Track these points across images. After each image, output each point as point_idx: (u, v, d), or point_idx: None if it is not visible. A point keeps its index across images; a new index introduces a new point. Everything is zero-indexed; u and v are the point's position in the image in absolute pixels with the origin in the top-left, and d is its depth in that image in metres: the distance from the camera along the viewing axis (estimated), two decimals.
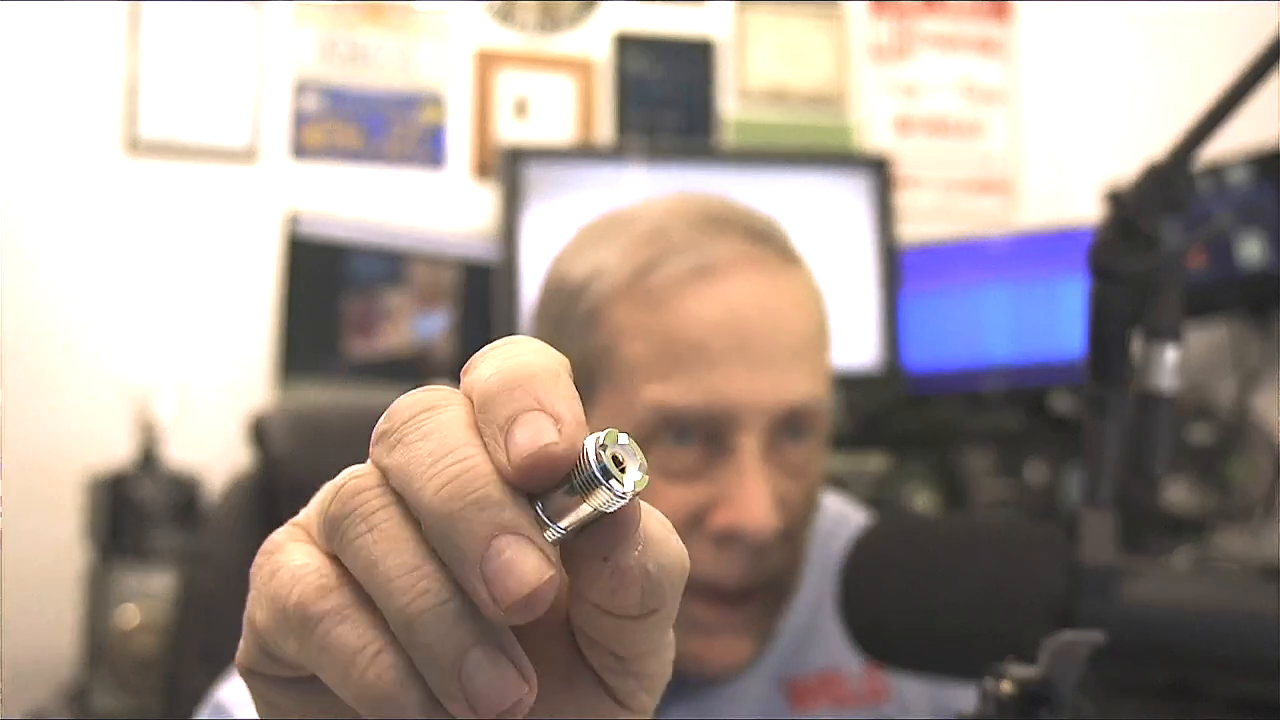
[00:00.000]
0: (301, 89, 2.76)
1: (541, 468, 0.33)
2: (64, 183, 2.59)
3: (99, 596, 2.22)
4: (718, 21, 3.03)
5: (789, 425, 0.82)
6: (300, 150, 2.75)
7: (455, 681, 0.32)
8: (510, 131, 2.84)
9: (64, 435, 2.49)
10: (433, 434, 0.34)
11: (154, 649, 2.16)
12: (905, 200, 2.99)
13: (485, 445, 0.33)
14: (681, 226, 0.83)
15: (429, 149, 2.83)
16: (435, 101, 2.84)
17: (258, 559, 0.37)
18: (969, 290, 2.76)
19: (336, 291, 2.61)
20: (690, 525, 0.80)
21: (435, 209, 2.79)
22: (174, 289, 2.63)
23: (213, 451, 2.35)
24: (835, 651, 0.92)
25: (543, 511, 0.33)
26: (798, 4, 3.07)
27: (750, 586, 0.82)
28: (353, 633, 0.33)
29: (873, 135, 3.09)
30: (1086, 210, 2.86)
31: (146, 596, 2.19)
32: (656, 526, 0.35)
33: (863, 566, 0.71)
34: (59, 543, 2.37)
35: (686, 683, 0.86)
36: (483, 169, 2.83)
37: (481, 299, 2.67)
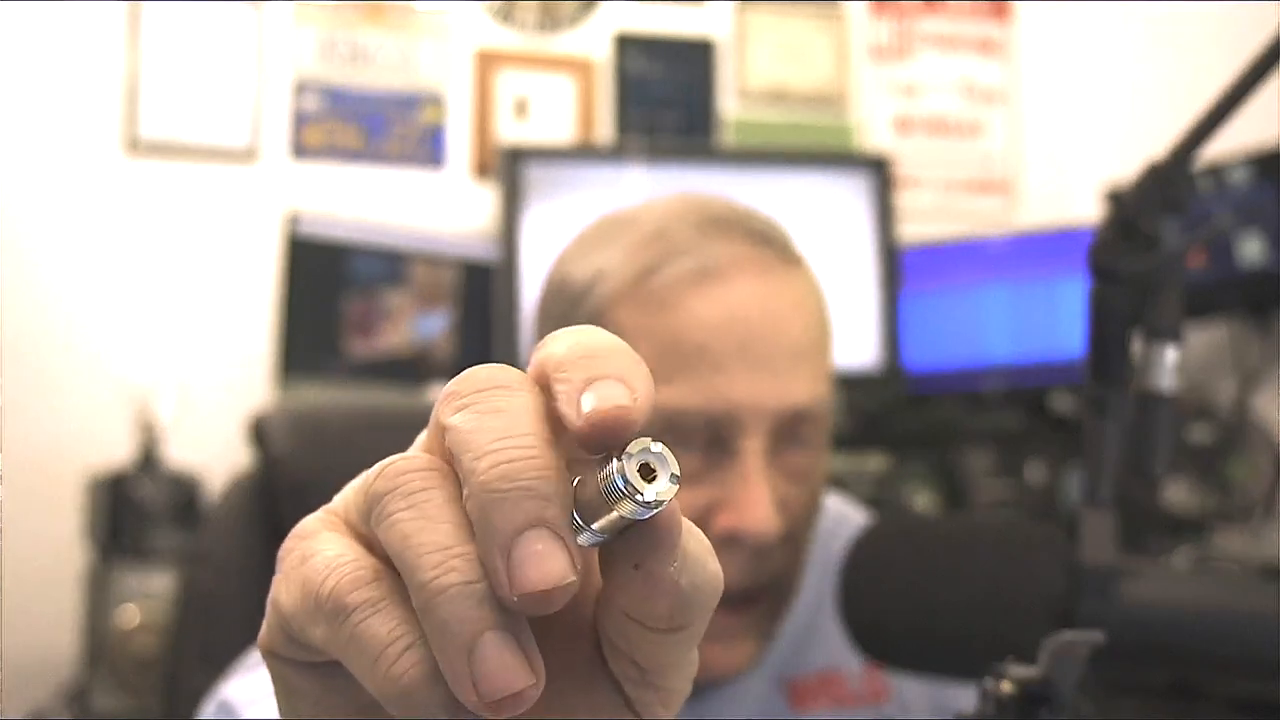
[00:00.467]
0: (301, 89, 2.76)
1: (612, 426, 0.33)
2: (64, 183, 2.59)
3: (99, 596, 2.22)
4: (718, 21, 3.03)
5: (791, 428, 0.82)
6: (300, 150, 2.75)
7: (465, 661, 0.32)
8: (510, 131, 2.84)
9: (64, 435, 2.49)
10: (503, 413, 0.34)
11: (154, 649, 2.16)
12: (905, 200, 2.99)
13: (557, 400, 0.34)
14: (683, 229, 0.83)
15: (429, 149, 2.83)
16: (435, 101, 2.84)
17: (288, 542, 0.37)
18: (969, 290, 2.76)
19: (336, 291, 2.61)
20: None
21: (435, 209, 2.79)
22: (174, 289, 2.63)
23: (213, 451, 2.35)
24: (835, 651, 0.92)
25: (578, 515, 0.34)
26: (798, 4, 3.07)
27: (752, 589, 0.82)
28: (384, 626, 0.33)
29: (873, 135, 3.09)
30: (1086, 210, 2.86)
31: (146, 596, 2.19)
32: (696, 546, 0.35)
33: (863, 566, 0.71)
34: (59, 543, 2.37)
35: None
36: (483, 169, 2.83)
37: (481, 299, 2.67)
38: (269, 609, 0.37)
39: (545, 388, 0.35)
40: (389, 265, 2.65)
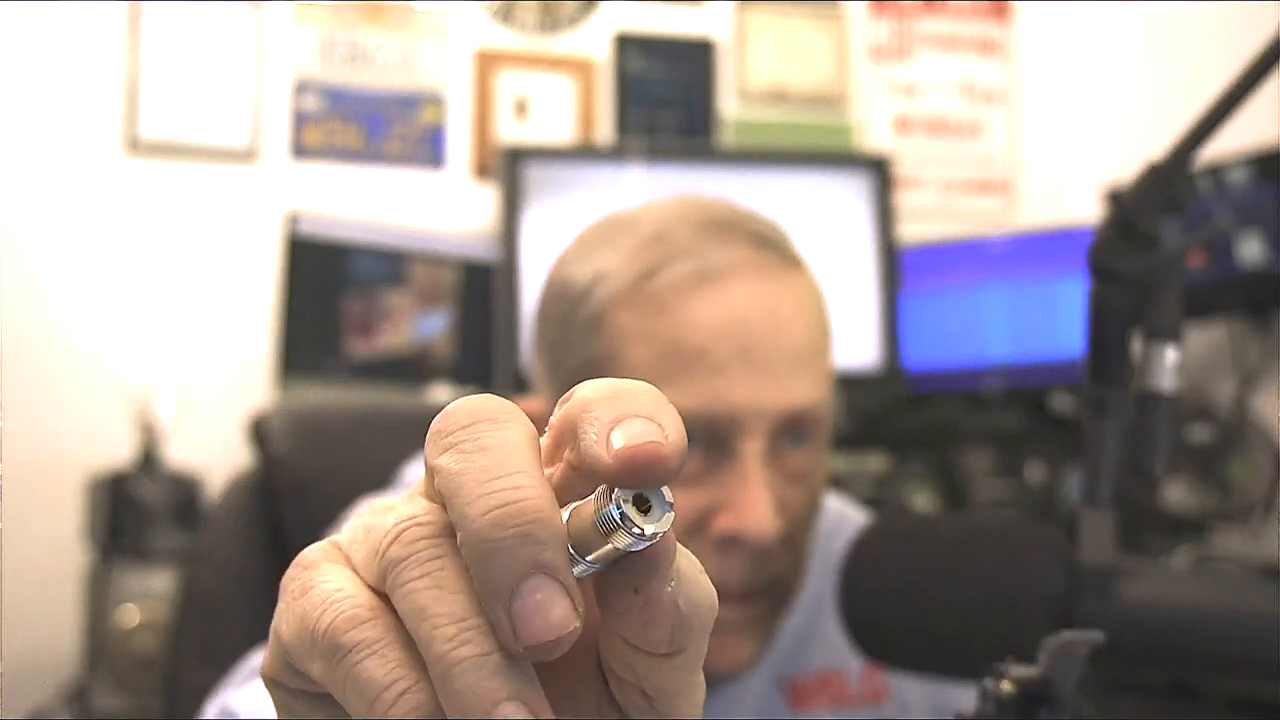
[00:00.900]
0: (301, 89, 2.76)
1: (645, 463, 0.33)
2: (64, 183, 2.59)
3: (99, 596, 2.22)
4: (718, 21, 3.03)
5: (791, 430, 0.82)
6: (300, 150, 2.75)
7: None
8: (510, 131, 2.84)
9: (64, 435, 2.49)
10: (490, 449, 0.34)
11: (154, 648, 2.16)
12: (905, 200, 2.99)
13: (584, 441, 0.34)
14: (684, 231, 0.83)
15: (429, 149, 2.83)
16: (435, 101, 2.84)
17: (290, 571, 0.37)
18: (969, 290, 2.76)
19: (336, 291, 2.61)
20: (692, 530, 0.80)
21: (435, 209, 2.79)
22: (174, 289, 2.64)
23: (213, 451, 2.35)
24: (835, 651, 0.92)
25: (573, 549, 0.34)
26: (798, 4, 3.07)
27: (753, 590, 0.82)
28: (381, 668, 0.33)
29: (873, 135, 3.09)
30: (1086, 210, 2.86)
31: (146, 596, 2.19)
32: (688, 566, 0.35)
33: (863, 566, 0.71)
34: (59, 543, 2.37)
35: None
36: (483, 169, 2.83)
37: (481, 299, 2.68)
38: (271, 639, 0.37)
39: (573, 434, 0.35)
40: (389, 265, 2.65)
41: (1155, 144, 0.69)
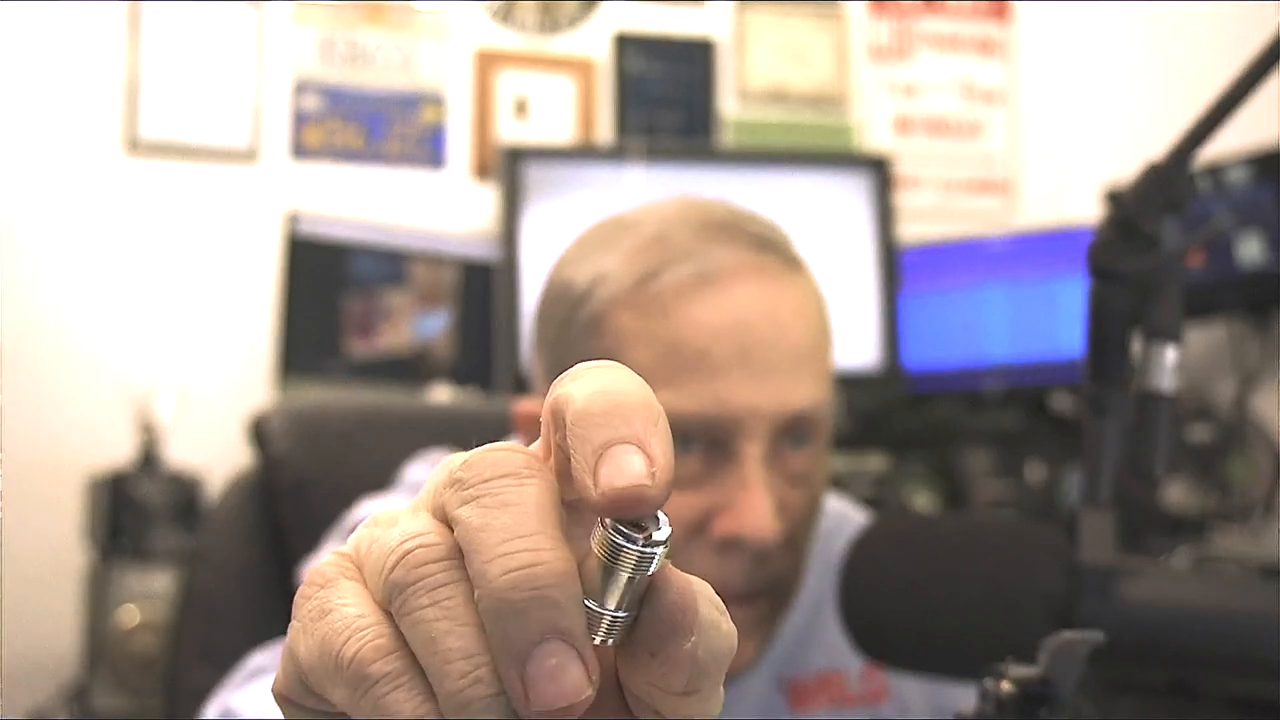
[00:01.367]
0: (301, 89, 2.76)
1: (629, 504, 0.33)
2: (64, 183, 2.59)
3: (99, 596, 2.22)
4: (718, 21, 3.03)
5: (791, 432, 0.82)
6: (300, 150, 2.75)
7: None
8: (510, 131, 2.84)
9: (64, 435, 2.49)
10: (511, 507, 0.34)
11: (154, 648, 2.16)
12: (905, 200, 2.99)
13: (573, 460, 0.34)
14: (684, 233, 0.83)
15: (429, 149, 2.83)
16: (435, 101, 2.84)
17: (304, 589, 0.37)
18: (968, 290, 2.76)
19: (336, 291, 2.61)
20: (692, 532, 0.80)
21: (435, 209, 2.79)
22: (174, 289, 2.64)
23: (213, 451, 2.35)
24: (835, 652, 0.92)
25: (589, 600, 0.34)
26: (798, 4, 3.07)
27: (753, 592, 0.82)
28: (408, 702, 0.33)
29: (873, 135, 3.09)
30: (1086, 210, 2.86)
31: (146, 596, 2.19)
32: (708, 611, 0.35)
33: (862, 566, 0.71)
34: (59, 543, 2.37)
35: None
36: (483, 169, 2.83)
37: (481, 299, 2.68)
38: (285, 657, 0.37)
39: (560, 431, 0.35)
40: (389, 265, 2.65)
41: (1155, 144, 0.69)
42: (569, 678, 0.32)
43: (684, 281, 0.81)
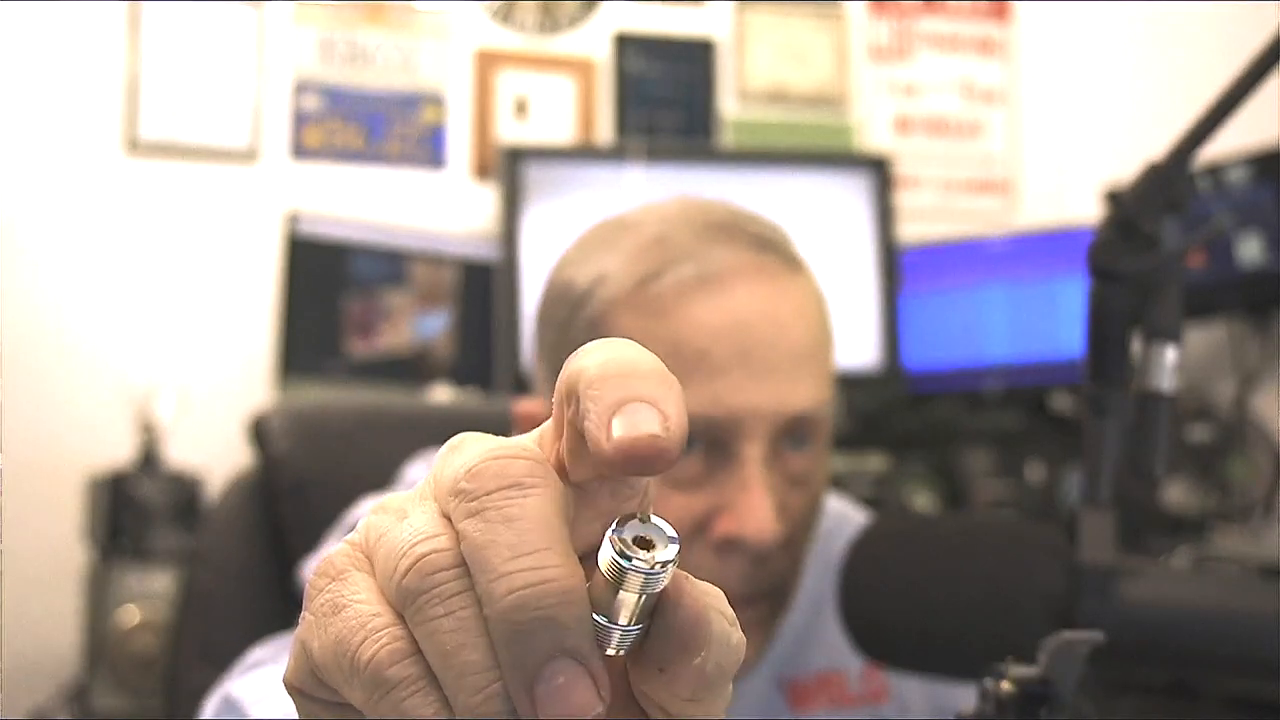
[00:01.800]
0: (301, 89, 2.76)
1: (643, 456, 0.33)
2: (64, 183, 2.59)
3: (99, 596, 2.22)
4: (718, 21, 3.03)
5: (792, 433, 0.82)
6: (300, 150, 2.75)
7: None
8: (510, 131, 2.84)
9: (64, 435, 2.49)
10: (515, 521, 0.33)
11: (154, 648, 2.16)
12: (905, 200, 2.99)
13: (585, 419, 0.33)
14: (685, 234, 0.83)
15: (429, 149, 2.83)
16: (435, 101, 2.84)
17: (316, 580, 0.37)
18: (968, 290, 2.76)
19: (336, 291, 2.61)
20: (693, 533, 0.80)
21: (435, 209, 2.79)
22: (174, 289, 2.64)
23: (213, 451, 2.35)
24: (835, 652, 0.92)
25: (598, 616, 0.33)
26: (798, 4, 3.07)
27: (753, 593, 0.82)
28: (427, 708, 0.34)
29: (873, 135, 3.09)
30: (1086, 210, 2.86)
31: (146, 596, 2.19)
32: (719, 624, 0.35)
33: (862, 566, 0.71)
34: (59, 543, 2.37)
35: None
36: (483, 169, 2.83)
37: (481, 299, 2.68)
38: (296, 648, 0.37)
39: (573, 403, 0.34)
40: (389, 265, 2.65)
41: (1155, 144, 0.69)
42: (578, 696, 0.32)
43: (685, 282, 0.81)
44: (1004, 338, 2.72)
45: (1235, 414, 2.48)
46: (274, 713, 0.71)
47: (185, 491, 2.29)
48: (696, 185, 2.54)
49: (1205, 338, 2.57)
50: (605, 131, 2.92)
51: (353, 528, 0.99)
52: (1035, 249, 2.74)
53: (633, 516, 0.34)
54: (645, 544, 0.33)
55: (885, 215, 2.76)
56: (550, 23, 2.92)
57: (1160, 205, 0.64)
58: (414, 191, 2.80)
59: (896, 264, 2.75)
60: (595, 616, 0.33)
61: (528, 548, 0.33)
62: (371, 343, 2.63)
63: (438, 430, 1.25)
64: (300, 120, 2.75)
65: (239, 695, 0.76)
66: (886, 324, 2.70)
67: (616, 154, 2.73)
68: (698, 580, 0.35)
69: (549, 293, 0.88)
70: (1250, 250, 2.36)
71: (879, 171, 2.79)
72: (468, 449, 0.36)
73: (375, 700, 0.34)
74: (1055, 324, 2.66)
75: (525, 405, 0.90)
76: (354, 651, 0.34)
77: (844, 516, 0.98)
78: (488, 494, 0.34)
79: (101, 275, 2.59)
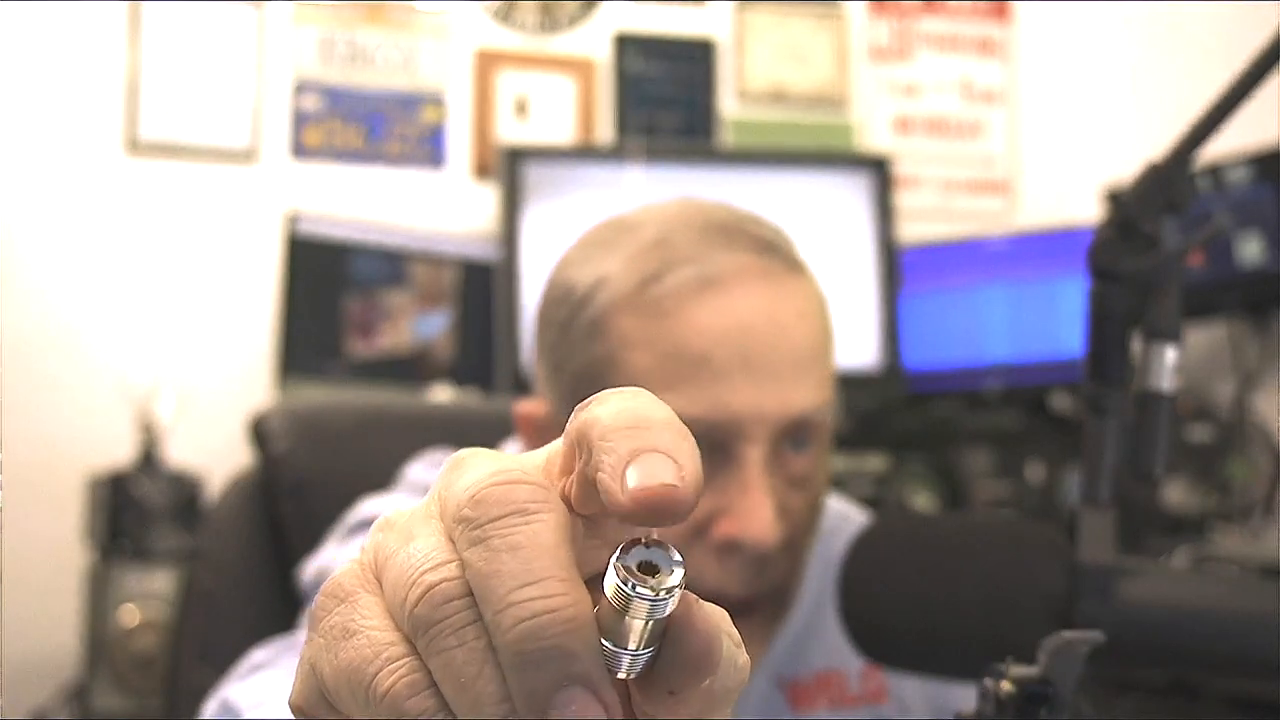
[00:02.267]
0: (301, 89, 2.76)
1: (659, 506, 0.33)
2: (64, 183, 2.59)
3: (99, 596, 2.22)
4: (718, 21, 3.03)
5: (793, 435, 0.82)
6: (300, 150, 2.75)
7: None
8: (510, 131, 2.84)
9: (64, 435, 2.49)
10: (520, 549, 0.33)
11: (154, 648, 2.16)
12: (905, 200, 2.99)
13: (600, 469, 0.33)
14: (686, 236, 0.83)
15: (429, 149, 2.83)
16: (435, 101, 2.84)
17: (324, 601, 0.36)
18: (968, 290, 2.76)
19: (336, 291, 2.61)
20: (693, 535, 0.80)
21: (435, 209, 2.79)
22: (174, 289, 2.64)
23: (213, 451, 2.35)
24: (835, 651, 0.92)
25: (606, 642, 0.33)
26: (798, 4, 3.07)
27: (753, 595, 0.82)
28: None
29: (873, 135, 3.09)
30: (1086, 210, 2.86)
31: (147, 596, 2.19)
32: (726, 647, 0.35)
33: (862, 566, 0.71)
34: (59, 543, 2.37)
35: None
36: (483, 169, 2.83)
37: (481, 299, 2.68)
38: (304, 670, 0.37)
39: (585, 452, 0.34)
40: (389, 265, 2.65)
41: (1155, 144, 0.69)
42: None
43: (685, 285, 0.81)
44: (1004, 338, 2.72)
45: (1235, 414, 2.48)
46: (270, 716, 0.71)
47: (185, 491, 2.29)
48: (696, 185, 2.54)
49: (1205, 338, 2.57)
50: (605, 131, 2.92)
51: (353, 528, 0.99)
52: (1035, 249, 2.74)
53: (638, 541, 0.33)
54: (650, 569, 0.33)
55: (885, 215, 2.76)
56: (550, 23, 2.92)
57: (1160, 205, 0.64)
58: (414, 191, 2.80)
59: (896, 264, 2.75)
60: (604, 642, 0.33)
61: (533, 576, 0.33)
62: (371, 343, 2.63)
63: (438, 430, 1.25)
64: (300, 120, 2.75)
65: (236, 700, 0.76)
66: (886, 324, 2.70)
67: (616, 154, 2.73)
68: (704, 601, 0.35)
69: (549, 293, 0.88)
70: (1250, 250, 2.36)
71: (879, 171, 2.79)
72: (470, 469, 0.36)
73: None
74: (1055, 324, 2.66)
75: (525, 405, 0.90)
76: (370, 681, 0.34)
77: (844, 516, 0.98)
78: (491, 521, 0.34)
79: (101, 275, 2.59)
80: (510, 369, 2.52)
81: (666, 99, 2.96)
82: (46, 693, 2.32)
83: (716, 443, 0.80)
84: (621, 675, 0.34)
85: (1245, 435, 2.44)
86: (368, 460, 1.13)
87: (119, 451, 2.38)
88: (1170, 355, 0.64)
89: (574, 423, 0.35)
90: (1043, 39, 3.21)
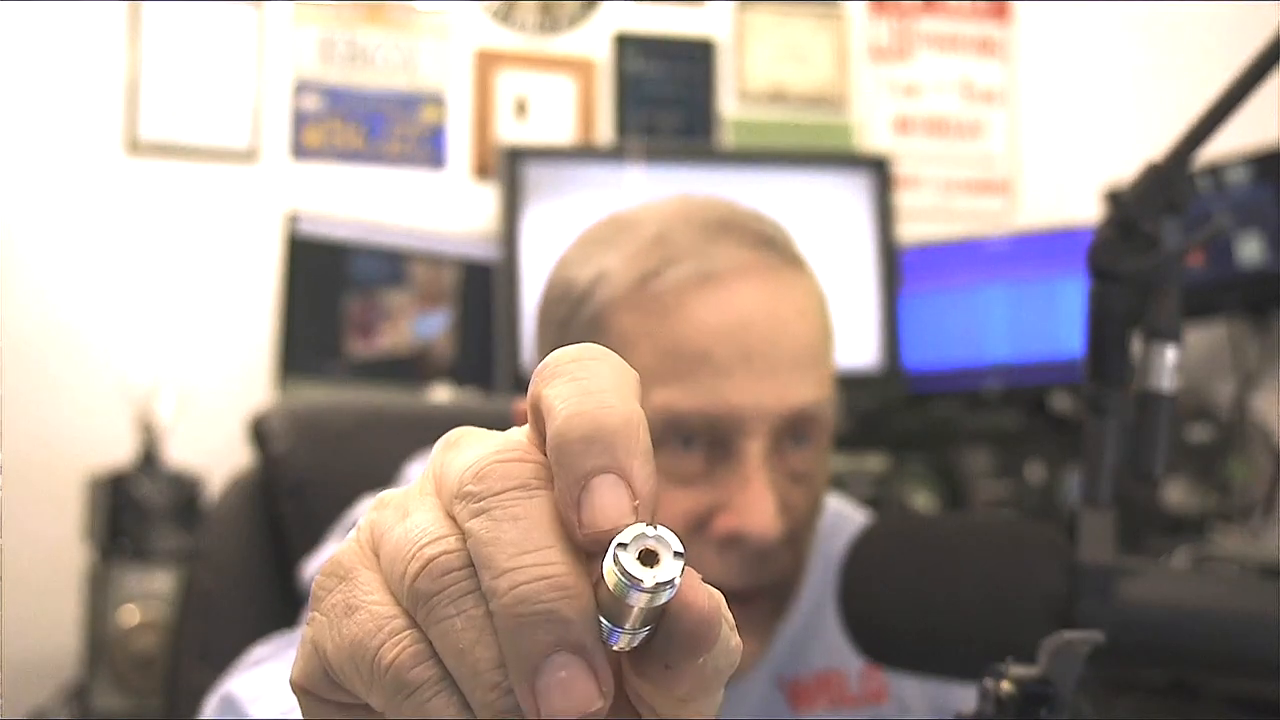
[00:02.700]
0: (301, 89, 2.76)
1: (609, 537, 0.33)
2: (64, 183, 2.59)
3: (99, 596, 2.22)
4: (718, 21, 3.03)
5: (793, 430, 0.82)
6: (300, 150, 2.75)
7: None
8: (510, 131, 2.84)
9: (64, 435, 2.49)
10: (520, 520, 0.34)
11: (154, 648, 2.16)
12: (905, 200, 2.99)
13: (557, 490, 0.34)
14: (686, 232, 0.83)
15: (429, 149, 2.83)
16: (435, 101, 2.84)
17: (324, 580, 0.37)
18: (968, 290, 2.76)
19: (337, 291, 2.61)
20: (694, 529, 0.80)
21: (435, 209, 2.79)
22: (174, 289, 2.64)
23: (213, 451, 2.35)
24: (835, 651, 0.92)
25: (604, 619, 0.34)
26: (798, 4, 3.07)
27: (754, 591, 0.82)
28: (450, 709, 0.34)
29: (873, 135, 3.09)
30: (1086, 210, 2.86)
31: (146, 596, 2.19)
32: (723, 629, 0.35)
33: (862, 566, 0.71)
34: (59, 543, 2.37)
35: None
36: (483, 169, 2.83)
37: (481, 299, 2.68)
38: (306, 648, 0.37)
39: (541, 435, 0.35)
40: (389, 265, 2.65)
41: (1155, 144, 0.69)
42: (578, 690, 0.32)
43: (685, 281, 0.81)
44: (1004, 338, 2.72)
45: (1235, 414, 2.48)
46: (273, 711, 0.71)
47: (185, 491, 2.29)
48: (696, 185, 2.54)
49: (1205, 338, 2.57)
50: (605, 131, 2.92)
51: (353, 527, 0.99)
52: (1035, 249, 2.74)
53: (638, 527, 0.33)
54: (651, 558, 0.33)
55: (885, 215, 2.76)
56: (550, 23, 2.92)
57: (1160, 205, 0.64)
58: (414, 191, 2.80)
59: (896, 264, 2.75)
60: (601, 620, 0.33)
61: (531, 545, 0.33)
62: (371, 343, 2.63)
63: (438, 430, 1.24)
64: (300, 120, 2.75)
65: (238, 693, 0.76)
66: (886, 324, 2.70)
67: (616, 154, 2.73)
68: (706, 585, 0.35)
69: (549, 291, 0.88)
70: (1250, 250, 2.36)
71: (879, 171, 2.79)
72: (468, 447, 0.36)
73: (398, 702, 0.34)
74: (1055, 324, 2.66)
75: (525, 405, 0.90)
76: (374, 654, 0.35)
77: (844, 516, 0.98)
78: (494, 495, 0.34)
79: (102, 275, 2.59)
80: (510, 369, 2.52)
81: (666, 99, 2.96)
82: (46, 693, 2.32)
83: (717, 437, 0.80)
84: (617, 648, 0.34)
85: (1245, 435, 2.44)
86: (368, 460, 1.13)
87: (119, 451, 2.38)
88: (1170, 355, 0.64)
89: (531, 390, 0.36)
90: (1043, 39, 3.21)
